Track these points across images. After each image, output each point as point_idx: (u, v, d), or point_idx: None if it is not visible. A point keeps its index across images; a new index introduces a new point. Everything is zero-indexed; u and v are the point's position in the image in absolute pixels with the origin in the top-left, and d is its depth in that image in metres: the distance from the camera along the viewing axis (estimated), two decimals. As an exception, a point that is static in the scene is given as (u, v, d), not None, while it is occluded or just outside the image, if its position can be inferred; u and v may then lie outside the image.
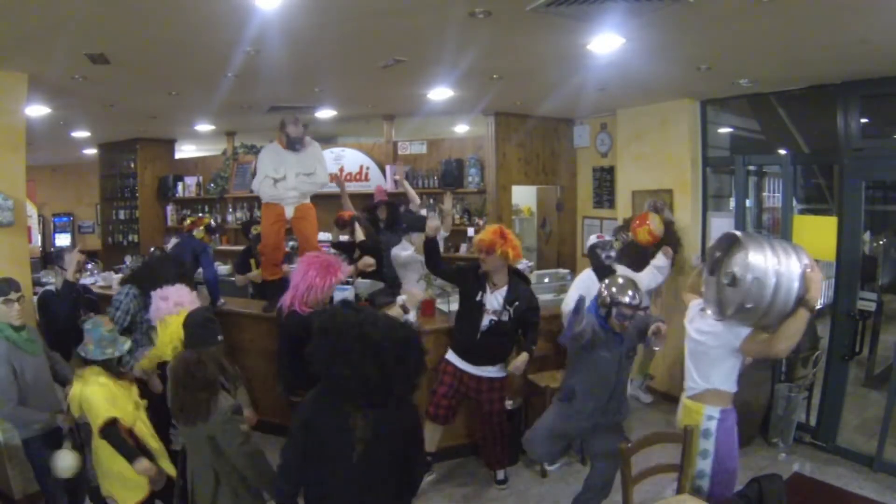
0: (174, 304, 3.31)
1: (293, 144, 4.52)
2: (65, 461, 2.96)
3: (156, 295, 3.39)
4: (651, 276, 4.72)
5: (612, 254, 4.46)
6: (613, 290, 3.14)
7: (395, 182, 6.66)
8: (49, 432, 3.09)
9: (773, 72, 4.31)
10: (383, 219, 5.44)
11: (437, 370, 3.93)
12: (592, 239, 4.53)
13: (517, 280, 3.83)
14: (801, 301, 2.46)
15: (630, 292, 3.11)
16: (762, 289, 2.43)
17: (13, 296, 3.16)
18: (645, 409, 5.39)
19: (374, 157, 7.07)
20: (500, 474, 4.03)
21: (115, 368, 2.94)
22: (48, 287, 3.73)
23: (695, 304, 3.06)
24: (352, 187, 6.62)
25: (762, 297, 2.44)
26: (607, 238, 4.59)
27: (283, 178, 4.52)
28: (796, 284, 2.44)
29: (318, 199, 4.99)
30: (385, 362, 1.96)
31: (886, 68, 3.99)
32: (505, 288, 3.73)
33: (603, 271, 4.39)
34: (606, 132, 6.56)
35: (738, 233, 2.68)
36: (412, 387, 2.10)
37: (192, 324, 2.75)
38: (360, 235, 4.88)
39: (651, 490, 3.61)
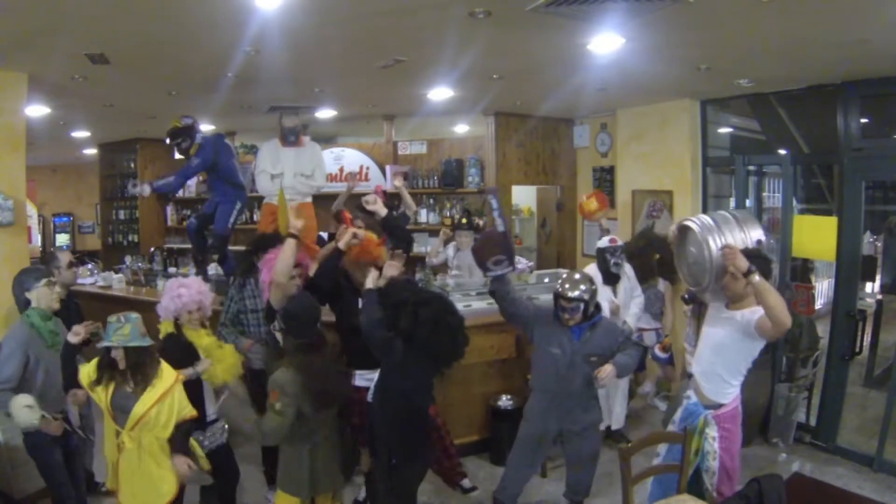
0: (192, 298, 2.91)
1: (287, 136, 4.48)
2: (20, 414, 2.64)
3: (175, 283, 2.98)
4: (637, 306, 4.56)
5: (620, 260, 4.41)
6: (560, 281, 3.19)
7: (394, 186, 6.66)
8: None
9: (773, 72, 4.30)
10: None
11: None
12: (604, 242, 4.46)
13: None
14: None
15: (582, 287, 3.12)
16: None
17: (55, 278, 2.93)
18: (648, 410, 5.39)
19: (374, 157, 7.06)
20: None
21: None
22: None
23: None
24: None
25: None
26: (619, 243, 4.50)
27: (281, 175, 4.50)
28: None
29: (317, 198, 4.98)
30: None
31: (886, 68, 3.99)
32: None
33: (608, 276, 4.37)
34: (606, 132, 6.55)
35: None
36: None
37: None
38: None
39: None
